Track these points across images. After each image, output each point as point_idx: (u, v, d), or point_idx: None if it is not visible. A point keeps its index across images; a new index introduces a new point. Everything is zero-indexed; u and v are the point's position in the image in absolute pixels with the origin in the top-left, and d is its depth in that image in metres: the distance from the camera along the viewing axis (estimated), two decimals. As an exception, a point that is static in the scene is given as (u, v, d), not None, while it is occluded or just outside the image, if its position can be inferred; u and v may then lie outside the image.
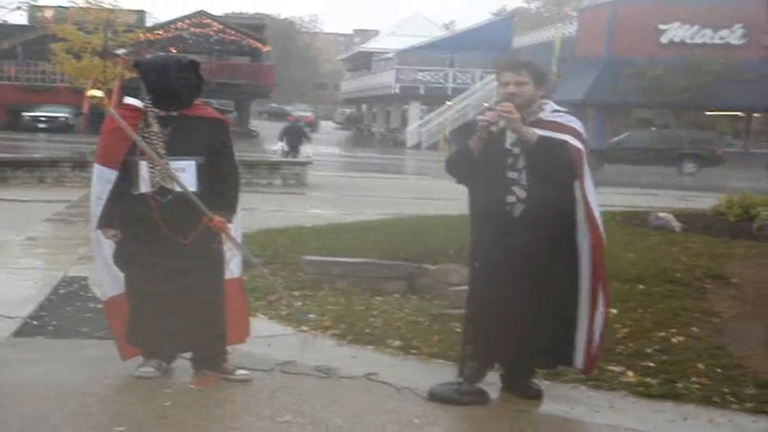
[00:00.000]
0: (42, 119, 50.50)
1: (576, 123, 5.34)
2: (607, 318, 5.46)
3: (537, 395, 5.45)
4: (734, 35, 46.77)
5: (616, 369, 5.85)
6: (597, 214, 5.23)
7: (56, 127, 49.12)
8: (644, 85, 41.52)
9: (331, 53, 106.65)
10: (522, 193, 5.20)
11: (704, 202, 15.75)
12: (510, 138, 5.23)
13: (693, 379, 5.69)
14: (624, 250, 9.68)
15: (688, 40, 46.59)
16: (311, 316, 6.97)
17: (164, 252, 5.38)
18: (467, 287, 5.61)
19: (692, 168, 35.65)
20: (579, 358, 5.35)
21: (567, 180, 5.19)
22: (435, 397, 5.31)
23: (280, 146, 34.11)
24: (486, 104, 5.75)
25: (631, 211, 13.87)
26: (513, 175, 5.22)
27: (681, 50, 44.07)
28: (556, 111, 5.38)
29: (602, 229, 5.26)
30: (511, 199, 5.21)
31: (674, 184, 29.54)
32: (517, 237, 5.16)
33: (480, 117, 5.28)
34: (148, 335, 5.56)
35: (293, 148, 32.39)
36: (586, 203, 5.19)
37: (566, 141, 5.18)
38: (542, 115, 5.30)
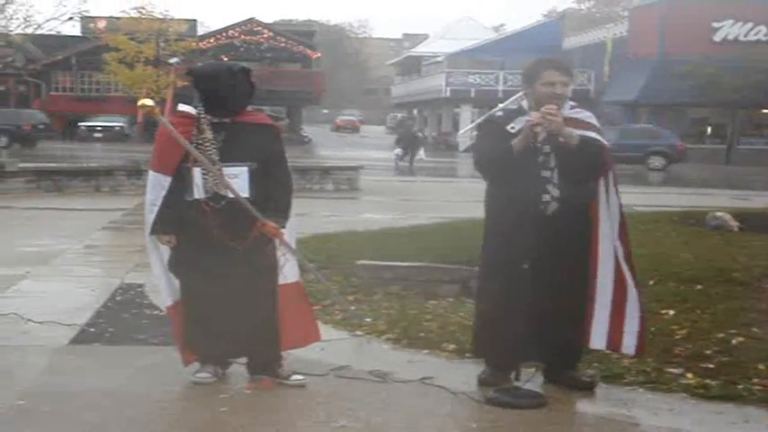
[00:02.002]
0: (98, 128, 51.28)
1: (594, 119, 5.42)
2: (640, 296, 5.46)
3: (589, 386, 5.44)
4: (789, 32, 46.09)
5: (675, 371, 5.76)
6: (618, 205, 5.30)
7: (111, 136, 49.84)
8: (698, 84, 41.05)
9: (381, 58, 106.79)
10: (555, 192, 5.23)
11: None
12: (541, 136, 5.21)
13: (755, 380, 5.58)
14: (681, 250, 9.57)
15: (742, 38, 46.04)
16: (367, 319, 6.96)
17: (218, 258, 5.41)
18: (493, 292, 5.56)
19: (659, 164, 36.16)
20: (630, 340, 5.38)
21: (597, 176, 5.25)
22: (492, 401, 5.28)
23: (396, 152, 35.05)
24: (500, 105, 5.76)
25: (687, 210, 13.70)
26: (546, 173, 5.25)
27: (735, 48, 43.55)
28: (572, 107, 5.42)
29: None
30: (546, 198, 5.23)
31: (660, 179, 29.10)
32: (552, 235, 5.19)
33: (526, 119, 5.27)
34: (204, 340, 5.59)
35: (409, 152, 33.32)
36: (610, 194, 5.25)
37: (599, 141, 5.23)
38: (564, 112, 5.30)
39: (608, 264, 5.32)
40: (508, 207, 5.33)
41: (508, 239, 5.35)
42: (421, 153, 35.31)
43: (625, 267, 5.33)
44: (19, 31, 53.24)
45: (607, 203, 5.28)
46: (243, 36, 58.31)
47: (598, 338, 5.40)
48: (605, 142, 5.31)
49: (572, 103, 5.47)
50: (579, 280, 5.33)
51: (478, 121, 5.80)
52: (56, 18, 53.98)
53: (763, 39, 45.92)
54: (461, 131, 51.16)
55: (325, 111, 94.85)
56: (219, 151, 5.44)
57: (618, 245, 5.30)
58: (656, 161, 36.92)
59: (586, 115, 5.39)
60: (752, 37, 46.23)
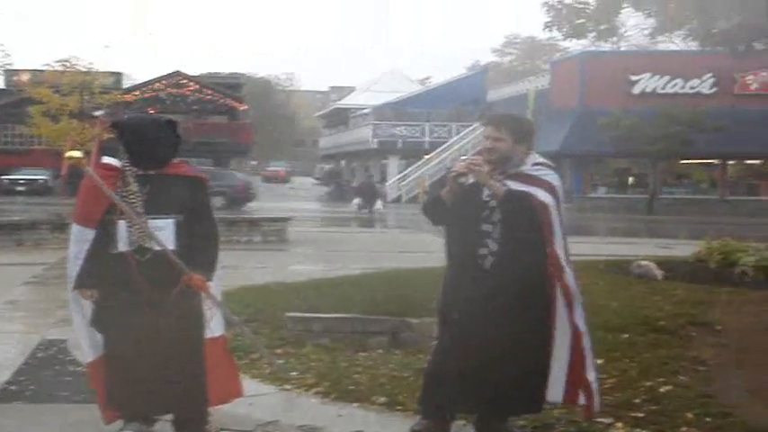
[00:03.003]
0: (21, 182, 50.38)
1: (551, 177, 5.39)
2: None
3: None
4: (704, 84, 47.46)
5: (605, 420, 5.77)
6: (564, 264, 5.24)
7: (34, 189, 48.98)
8: (619, 135, 41.88)
9: (308, 110, 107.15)
10: (494, 246, 5.25)
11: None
12: (487, 190, 5.26)
13: (683, 429, 5.62)
14: (607, 299, 9.67)
15: (660, 90, 47.21)
16: (293, 373, 6.87)
17: (143, 312, 5.30)
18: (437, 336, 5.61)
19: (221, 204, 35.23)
20: (559, 394, 5.35)
21: (531, 233, 5.21)
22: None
23: (356, 202, 35.82)
24: (463, 158, 5.87)
25: (612, 259, 13.88)
26: (487, 227, 5.29)
27: (653, 100, 44.56)
28: (536, 164, 5.44)
29: (568, 276, 5.26)
30: (483, 251, 5.27)
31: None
32: (486, 288, 5.20)
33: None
34: (128, 397, 5.45)
35: (368, 203, 34.26)
36: (552, 255, 5.20)
37: (530, 194, 5.22)
38: (523, 169, 5.38)
39: (563, 318, 5.28)
40: (449, 257, 5.45)
41: (445, 288, 5.44)
42: (379, 203, 36.11)
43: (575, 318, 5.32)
44: (-59, 83, 52.35)
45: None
46: (169, 89, 58.11)
47: (555, 392, 5.36)
48: (544, 198, 5.23)
49: (539, 159, 5.47)
50: (519, 337, 5.23)
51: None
52: (-22, 72, 53.16)
53: (680, 91, 47.14)
54: (387, 184, 51.60)
55: (254, 162, 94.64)
56: (145, 203, 5.36)
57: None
58: (218, 201, 35.39)
59: (544, 173, 5.37)
60: (669, 89, 47.41)
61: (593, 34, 17.09)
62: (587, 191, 47.29)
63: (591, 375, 5.33)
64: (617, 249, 18.66)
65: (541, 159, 5.49)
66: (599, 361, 7.04)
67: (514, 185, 5.23)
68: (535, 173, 5.37)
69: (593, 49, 47.64)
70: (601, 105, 44.23)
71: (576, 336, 5.28)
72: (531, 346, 5.26)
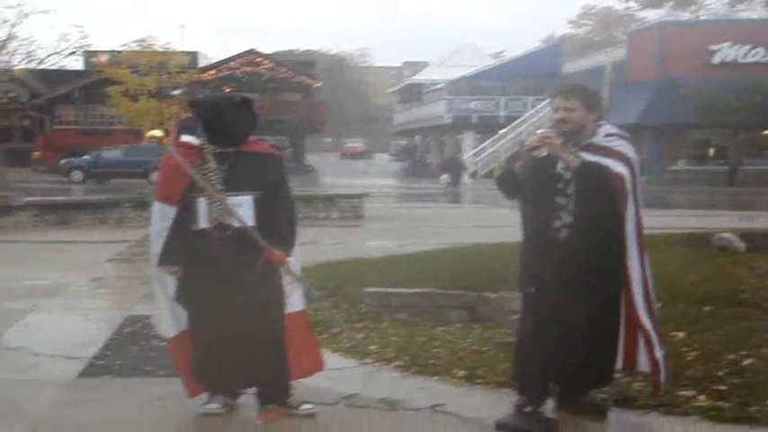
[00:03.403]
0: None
1: (625, 148, 5.33)
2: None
3: (602, 410, 5.41)
4: (787, 53, 46.22)
5: (687, 393, 5.72)
6: (636, 237, 5.24)
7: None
8: (699, 107, 41.10)
9: (382, 86, 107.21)
10: (567, 219, 5.21)
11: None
12: (561, 162, 5.21)
13: (767, 402, 5.54)
14: (688, 272, 9.54)
15: (740, 60, 46.14)
16: (373, 347, 6.93)
17: (224, 287, 5.39)
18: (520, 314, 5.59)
19: None
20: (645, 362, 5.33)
21: (607, 205, 5.17)
22: (502, 427, 5.24)
23: (444, 178, 36.22)
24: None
25: (692, 232, 13.67)
26: (561, 200, 5.23)
27: (733, 70, 43.60)
28: (609, 135, 5.38)
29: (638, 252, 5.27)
30: (557, 224, 5.22)
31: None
32: (561, 260, 5.17)
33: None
34: (213, 372, 5.56)
35: (455, 179, 34.68)
36: (625, 226, 5.20)
37: (607, 167, 5.17)
38: (595, 140, 5.31)
39: (638, 286, 5.27)
40: (524, 231, 5.41)
41: (522, 262, 5.42)
42: (465, 178, 36.42)
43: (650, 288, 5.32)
44: (22, 66, 53.45)
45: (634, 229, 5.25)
46: (244, 67, 58.52)
47: (643, 360, 5.34)
48: (620, 170, 5.20)
49: (612, 130, 5.42)
50: (593, 310, 5.21)
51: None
52: (58, 53, 54.13)
53: (762, 60, 46.03)
54: (478, 158, 51.31)
55: (328, 139, 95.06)
56: (224, 181, 5.44)
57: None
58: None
59: (618, 143, 5.32)
60: (750, 59, 46.33)
61: (671, 3, 16.77)
62: (666, 163, 46.45)
63: (656, 351, 5.28)
64: (698, 222, 18.35)
65: (614, 130, 5.42)
66: (680, 334, 7.03)
67: (589, 157, 5.17)
68: (608, 144, 5.31)
69: (671, 18, 46.79)
70: (679, 76, 43.44)
71: (629, 299, 5.26)
72: (603, 318, 5.24)
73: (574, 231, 5.18)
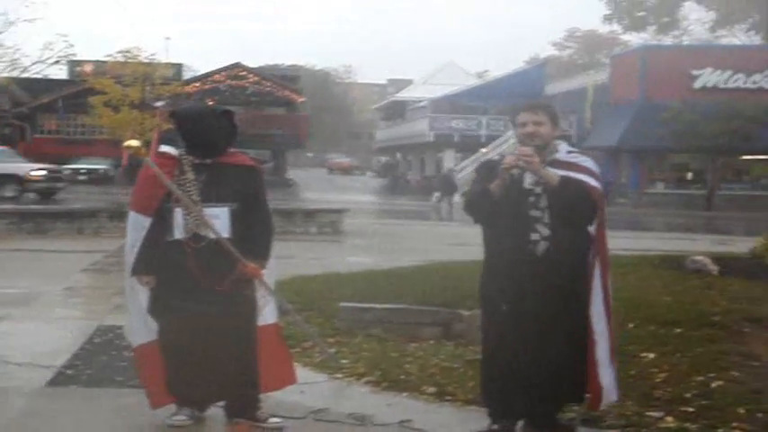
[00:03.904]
0: (82, 171, 51.08)
1: (589, 163, 5.42)
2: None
3: (569, 430, 5.44)
4: (767, 79, 46.61)
5: (655, 414, 5.76)
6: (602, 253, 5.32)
7: (95, 179, 49.65)
8: (678, 130, 41.36)
9: (365, 103, 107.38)
10: (545, 231, 5.23)
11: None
12: (529, 177, 5.26)
13: (734, 424, 5.57)
14: (661, 294, 9.60)
15: (721, 85, 46.47)
16: (345, 361, 6.94)
17: (197, 299, 5.39)
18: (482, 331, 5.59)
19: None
20: (612, 394, 5.35)
21: (588, 220, 5.26)
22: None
23: (436, 195, 36.20)
24: (482, 150, 5.80)
25: (666, 254, 13.74)
26: (535, 213, 5.26)
27: (715, 95, 43.92)
28: (570, 151, 5.48)
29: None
30: (534, 237, 5.23)
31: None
32: (540, 275, 5.18)
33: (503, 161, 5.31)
34: (182, 383, 5.55)
35: (446, 196, 34.61)
36: (602, 241, 5.30)
37: (584, 181, 5.24)
38: (558, 156, 5.38)
39: (601, 312, 5.30)
40: (497, 247, 5.38)
41: (492, 279, 5.40)
42: (456, 196, 36.40)
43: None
44: (5, 74, 53.22)
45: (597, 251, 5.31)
46: (228, 80, 58.53)
47: (609, 391, 5.34)
48: (596, 185, 5.29)
49: (569, 148, 5.53)
50: (568, 326, 5.26)
51: (467, 163, 5.87)
52: (42, 61, 53.91)
53: (742, 86, 46.39)
54: (459, 175, 51.34)
55: (310, 154, 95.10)
56: (201, 192, 5.45)
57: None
58: None
59: (582, 159, 5.42)
60: (731, 84, 46.68)
61: (654, 27, 16.88)
62: (645, 186, 46.74)
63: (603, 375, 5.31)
64: (673, 245, 18.45)
65: (571, 147, 5.54)
66: (651, 355, 7.08)
67: (560, 173, 5.22)
68: (573, 159, 5.39)
69: (654, 42, 47.12)
70: (661, 100, 43.70)
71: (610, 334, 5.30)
72: (578, 333, 5.26)
73: (552, 244, 5.21)
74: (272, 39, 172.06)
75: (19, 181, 31.81)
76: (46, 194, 32.43)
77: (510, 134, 54.31)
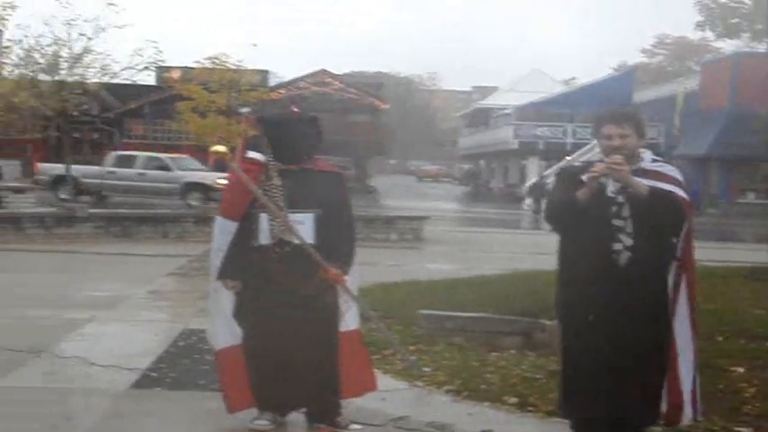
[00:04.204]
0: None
1: (676, 173, 5.31)
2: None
3: None
4: None
5: (743, 430, 5.61)
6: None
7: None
8: (768, 139, 40.40)
9: (449, 110, 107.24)
10: (628, 241, 5.11)
11: None
12: (612, 186, 5.16)
13: (825, 442, 5.41)
14: (751, 306, 9.36)
15: (813, 93, 45.24)
16: (426, 369, 6.90)
17: (281, 303, 5.43)
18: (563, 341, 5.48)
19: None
20: (689, 411, 5.20)
21: (676, 230, 5.16)
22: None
23: (527, 203, 35.76)
24: (567, 158, 5.65)
25: (758, 266, 13.41)
26: (618, 222, 5.14)
27: (808, 102, 42.76)
28: (655, 160, 5.36)
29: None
30: (617, 246, 5.11)
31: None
32: (623, 285, 5.07)
33: (590, 169, 5.20)
34: (265, 387, 5.58)
35: (537, 204, 34.11)
36: (689, 252, 5.21)
37: (673, 192, 5.13)
38: (643, 164, 5.26)
39: (685, 325, 5.20)
40: (578, 257, 5.26)
41: (574, 289, 5.28)
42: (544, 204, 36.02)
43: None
44: (95, 79, 54.34)
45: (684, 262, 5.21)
46: (313, 87, 58.96)
47: (686, 408, 5.21)
48: (684, 195, 5.19)
49: (654, 156, 5.41)
50: (651, 338, 5.14)
51: (555, 170, 5.78)
52: (131, 67, 54.87)
53: (838, 94, 45.14)
54: (527, 184, 51.04)
55: (393, 161, 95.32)
56: (286, 198, 5.48)
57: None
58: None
59: (668, 169, 5.32)
60: (824, 92, 45.47)
61: (748, 34, 16.48)
62: (735, 196, 45.73)
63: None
64: (765, 256, 17.98)
65: (655, 156, 5.41)
66: (740, 369, 6.90)
67: (646, 182, 5.11)
68: (659, 168, 5.27)
69: (746, 50, 46.13)
70: (752, 108, 42.73)
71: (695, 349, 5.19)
72: (661, 345, 5.15)
73: (636, 254, 5.09)
74: (357, 46, 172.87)
75: (205, 189, 32.01)
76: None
77: (595, 142, 53.81)
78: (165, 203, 30.12)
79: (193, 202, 30.86)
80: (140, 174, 33.87)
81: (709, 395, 6.18)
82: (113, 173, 33.69)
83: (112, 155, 37.26)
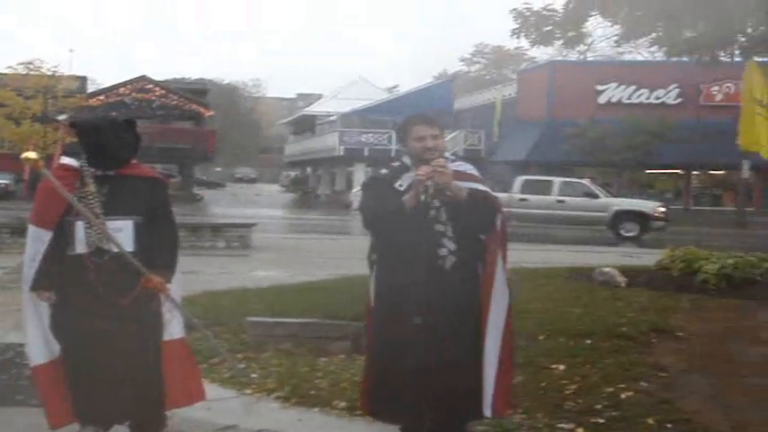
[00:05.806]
0: (-18, 186, 49.69)
1: (475, 170, 5.37)
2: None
3: None
4: (670, 95, 47.96)
5: (566, 426, 5.76)
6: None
7: (-4, 194, 48.34)
8: (585, 145, 42.15)
9: (275, 117, 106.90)
10: (451, 245, 5.15)
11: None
12: (429, 190, 5.13)
13: (643, 434, 5.62)
14: (570, 305, 9.68)
15: (625, 100, 47.61)
16: (254, 376, 6.81)
17: (100, 314, 5.22)
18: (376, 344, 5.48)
19: None
20: (488, 408, 5.23)
21: (491, 229, 5.23)
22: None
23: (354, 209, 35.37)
24: (394, 164, 5.57)
25: (575, 267, 13.91)
26: (440, 227, 5.17)
27: (619, 110, 44.95)
28: (453, 161, 5.38)
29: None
30: (442, 251, 5.15)
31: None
32: (449, 288, 5.11)
33: (416, 173, 5.17)
34: (86, 401, 5.36)
35: None
36: (504, 245, 5.28)
37: (488, 192, 5.24)
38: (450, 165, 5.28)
39: (498, 321, 5.27)
40: (402, 262, 5.20)
41: (401, 294, 5.21)
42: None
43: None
44: None
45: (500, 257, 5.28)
46: (134, 93, 57.64)
47: (486, 406, 5.22)
48: (492, 193, 5.32)
49: (452, 156, 5.49)
50: (472, 336, 5.20)
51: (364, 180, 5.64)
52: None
53: (645, 101, 47.54)
54: (353, 191, 51.44)
55: (218, 168, 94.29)
56: (103, 204, 5.29)
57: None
58: None
59: (468, 167, 5.38)
60: (634, 99, 47.84)
61: (561, 42, 17.06)
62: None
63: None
64: (582, 258, 18.69)
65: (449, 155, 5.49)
66: (561, 367, 7.11)
67: (464, 185, 5.16)
68: (462, 168, 5.32)
69: (560, 58, 47.96)
70: (568, 115, 44.51)
71: (505, 338, 5.25)
72: (478, 346, 5.20)
73: (459, 258, 5.15)
74: (178, 53, 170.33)
75: None
76: None
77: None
78: None
79: None
80: None
81: (532, 393, 6.35)
82: None
83: None
